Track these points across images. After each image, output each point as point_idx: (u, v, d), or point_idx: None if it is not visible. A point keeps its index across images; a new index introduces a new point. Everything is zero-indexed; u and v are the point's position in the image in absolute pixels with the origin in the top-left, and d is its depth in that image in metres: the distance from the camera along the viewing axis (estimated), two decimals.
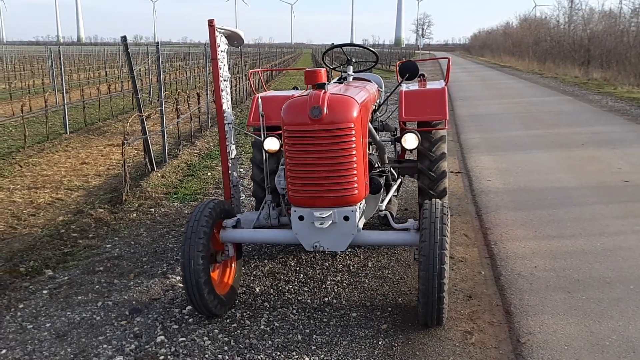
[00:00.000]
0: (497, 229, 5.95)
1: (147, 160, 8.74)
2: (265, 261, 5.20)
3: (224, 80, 5.06)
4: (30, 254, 5.58)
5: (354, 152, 3.79)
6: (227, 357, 3.62)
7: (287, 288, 4.63)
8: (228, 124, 5.10)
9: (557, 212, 6.45)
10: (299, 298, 4.45)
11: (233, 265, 4.45)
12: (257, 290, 4.61)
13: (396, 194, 5.37)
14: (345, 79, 5.47)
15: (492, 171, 8.59)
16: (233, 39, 5.27)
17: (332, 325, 4.02)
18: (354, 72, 5.71)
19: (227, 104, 5.10)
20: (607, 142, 10.64)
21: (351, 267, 5.02)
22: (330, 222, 3.83)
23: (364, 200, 4.13)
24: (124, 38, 7.56)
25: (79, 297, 4.59)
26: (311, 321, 4.08)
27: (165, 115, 13.77)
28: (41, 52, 32.24)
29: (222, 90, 5.03)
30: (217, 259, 4.21)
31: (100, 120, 15.57)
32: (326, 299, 4.43)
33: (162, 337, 3.90)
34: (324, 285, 4.68)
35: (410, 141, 4.69)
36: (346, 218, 3.86)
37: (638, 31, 29.48)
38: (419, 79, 5.97)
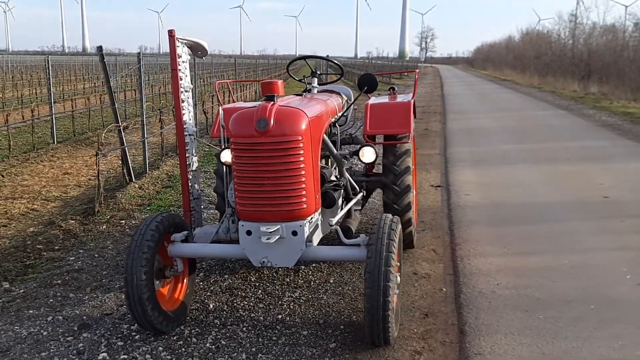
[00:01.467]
0: (467, 244, 5.85)
1: (124, 171, 8.68)
2: (226, 276, 5.11)
3: (186, 91, 5.00)
4: None
5: (302, 166, 3.72)
6: None
7: (242, 305, 4.54)
8: (189, 135, 5.03)
9: (531, 228, 6.35)
10: (252, 315, 4.35)
11: (185, 280, 4.36)
12: (211, 306, 4.52)
13: (359, 208, 5.28)
14: (309, 90, 5.41)
15: (473, 185, 8.50)
16: (196, 49, 5.22)
17: (281, 344, 3.92)
18: (321, 84, 5.65)
19: (188, 115, 5.03)
20: (593, 157, 10.55)
21: (312, 283, 4.93)
22: (277, 237, 3.75)
23: (317, 214, 4.05)
24: (99, 48, 7.53)
25: (31, 311, 4.51)
26: (260, 339, 3.98)
27: (151, 126, 13.81)
28: (39, 62, 32.35)
29: (183, 101, 4.97)
30: (165, 274, 4.11)
31: (90, 130, 15.55)
32: (280, 316, 4.33)
33: (105, 354, 3.81)
34: (280, 302, 4.58)
35: (368, 155, 4.62)
36: (294, 233, 3.78)
37: (639, 46, 29.47)
38: (389, 92, 5.91)
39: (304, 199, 3.75)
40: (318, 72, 5.53)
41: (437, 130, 14.81)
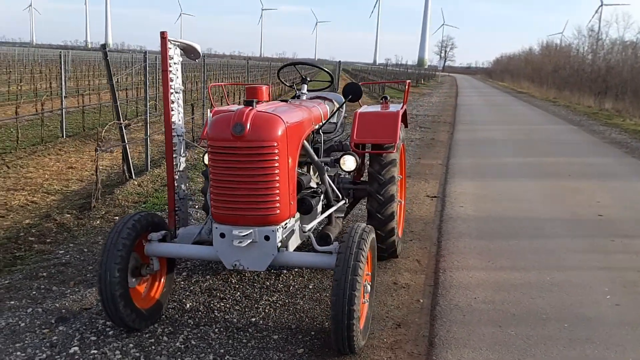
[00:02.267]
0: (452, 256, 5.85)
1: (124, 168, 8.79)
2: (208, 277, 5.17)
3: (176, 93, 5.06)
4: None
5: (276, 171, 3.76)
6: None
7: (219, 306, 4.59)
8: (178, 136, 5.10)
9: (520, 243, 6.33)
10: (227, 317, 4.40)
11: (162, 279, 4.42)
12: (188, 306, 4.58)
13: (341, 215, 5.31)
14: (299, 97, 5.46)
15: (469, 197, 8.49)
16: (189, 52, 5.28)
17: (250, 346, 3.96)
18: (309, 90, 5.69)
19: (177, 116, 5.09)
20: (595, 174, 10.48)
21: (291, 288, 4.96)
22: (249, 241, 3.79)
23: (292, 220, 4.09)
24: (103, 46, 7.64)
25: (12, 302, 4.59)
26: (230, 341, 4.02)
27: (160, 125, 13.93)
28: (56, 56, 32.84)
29: (173, 102, 5.03)
30: (141, 272, 4.18)
31: (100, 126, 15.71)
32: (253, 319, 4.37)
33: (77, 348, 3.88)
34: (256, 305, 4.62)
35: (348, 163, 4.65)
36: (267, 238, 3.82)
37: None
38: (382, 101, 5.94)
39: (277, 205, 3.79)
40: (308, 79, 5.57)
41: (443, 141, 14.79)
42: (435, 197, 8.55)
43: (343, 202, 5.13)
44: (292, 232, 4.11)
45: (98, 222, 6.84)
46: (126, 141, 8.57)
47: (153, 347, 3.92)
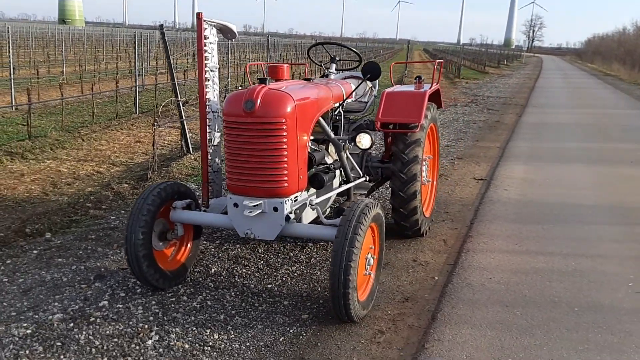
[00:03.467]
0: (479, 238, 5.88)
1: (182, 143, 9.29)
2: (237, 245, 5.50)
3: (211, 71, 5.37)
4: (42, 217, 6.20)
5: (284, 147, 3.98)
6: (146, 326, 3.95)
7: (240, 272, 4.90)
8: (213, 112, 5.42)
9: (554, 228, 6.26)
10: (245, 282, 4.71)
11: (188, 245, 4.78)
12: (212, 270, 4.92)
13: (363, 192, 5.45)
14: (327, 75, 5.65)
15: (516, 181, 8.38)
16: (226, 32, 5.57)
17: (259, 310, 4.25)
18: (349, 69, 5.84)
19: (212, 93, 5.40)
20: None
21: (312, 259, 5.21)
22: (259, 211, 4.06)
23: (303, 193, 4.30)
24: (161, 26, 8.10)
25: (60, 260, 5.10)
26: (243, 304, 4.33)
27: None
28: (151, 36, 34.42)
29: (208, 80, 5.35)
30: (167, 237, 4.54)
31: (172, 104, 16.47)
32: (270, 286, 4.65)
33: (106, 302, 4.30)
34: (275, 274, 4.90)
35: (364, 141, 4.81)
36: (275, 209, 4.07)
37: None
38: (416, 80, 5.99)
39: (285, 178, 4.02)
40: (337, 59, 5.73)
41: (508, 123, 14.46)
42: (481, 179, 8.49)
43: (363, 179, 5.28)
44: (305, 205, 4.34)
45: None
46: (183, 117, 9.04)
47: (172, 305, 4.28)
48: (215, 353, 3.67)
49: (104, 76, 21.81)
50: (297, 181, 4.13)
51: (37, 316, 4.06)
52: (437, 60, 6.44)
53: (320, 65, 6.07)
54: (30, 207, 6.78)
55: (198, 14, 5.15)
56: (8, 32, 13.77)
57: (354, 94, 6.10)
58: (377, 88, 6.09)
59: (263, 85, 4.03)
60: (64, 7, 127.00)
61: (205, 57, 5.31)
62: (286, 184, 4.05)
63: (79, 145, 10.44)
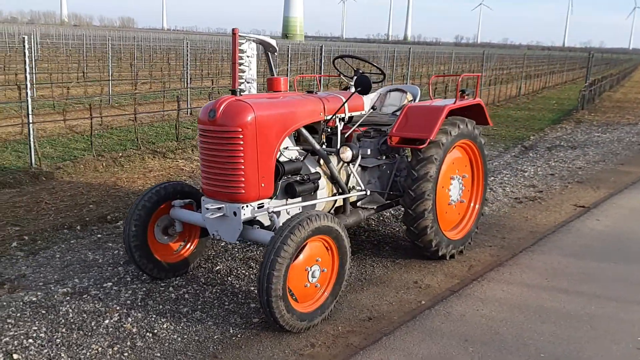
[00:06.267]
0: (510, 268, 5.44)
1: None
2: (254, 247, 5.80)
3: (247, 82, 5.78)
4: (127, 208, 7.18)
5: (241, 155, 4.24)
6: (117, 307, 4.49)
7: (240, 273, 5.24)
8: None
9: (613, 268, 5.52)
10: (235, 282, 5.04)
11: (194, 241, 5.25)
12: (216, 268, 5.33)
13: (372, 207, 5.34)
14: (348, 88, 5.71)
15: (620, 211, 7.42)
16: (267, 46, 5.96)
17: (224, 309, 4.56)
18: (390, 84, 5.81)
19: None
20: None
21: None
22: (220, 214, 4.37)
23: (265, 201, 4.46)
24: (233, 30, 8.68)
25: (110, 244, 5.93)
26: (214, 302, 4.67)
27: None
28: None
29: (244, 91, 5.79)
30: (168, 232, 5.06)
31: None
32: (252, 288, 4.91)
33: (111, 283, 4.96)
34: None
35: (347, 153, 4.81)
36: (235, 213, 4.34)
37: None
38: (463, 94, 5.71)
39: (243, 185, 4.28)
40: (361, 71, 5.71)
41: None
42: (582, 207, 7.64)
43: (363, 192, 5.22)
44: (280, 212, 4.51)
45: None
46: None
47: (156, 293, 4.79)
48: (151, 340, 4.08)
49: None
50: (257, 189, 4.35)
51: (53, 288, 4.85)
52: (478, 74, 6.03)
53: (344, 77, 6.04)
54: (134, 198, 7.84)
55: (233, 30, 5.58)
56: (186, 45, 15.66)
57: (390, 106, 6.05)
58: (417, 101, 5.94)
59: (231, 96, 4.33)
60: (287, 23, 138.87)
61: (242, 69, 5.76)
62: (243, 191, 4.29)
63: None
